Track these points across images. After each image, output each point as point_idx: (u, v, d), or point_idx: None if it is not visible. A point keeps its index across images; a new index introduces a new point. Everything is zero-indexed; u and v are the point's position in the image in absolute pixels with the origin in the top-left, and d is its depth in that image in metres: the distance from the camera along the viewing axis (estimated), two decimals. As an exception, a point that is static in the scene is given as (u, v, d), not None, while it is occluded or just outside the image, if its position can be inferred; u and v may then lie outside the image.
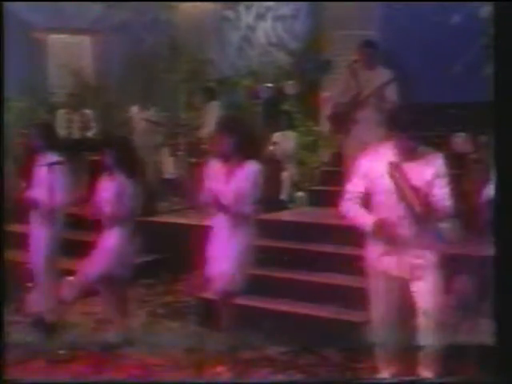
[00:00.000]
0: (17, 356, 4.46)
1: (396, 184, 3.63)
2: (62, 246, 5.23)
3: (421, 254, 3.71)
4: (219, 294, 4.24)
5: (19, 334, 4.98)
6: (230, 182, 4.12)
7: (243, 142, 4.11)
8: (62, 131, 8.49)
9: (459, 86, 6.59)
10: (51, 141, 5.29)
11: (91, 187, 4.95)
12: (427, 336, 3.75)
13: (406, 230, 3.68)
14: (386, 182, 3.68)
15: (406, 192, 3.60)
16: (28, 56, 10.11)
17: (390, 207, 3.68)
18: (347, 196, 3.85)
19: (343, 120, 6.18)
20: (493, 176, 3.41)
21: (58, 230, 5.18)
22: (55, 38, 11.37)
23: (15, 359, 4.38)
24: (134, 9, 10.87)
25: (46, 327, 5.10)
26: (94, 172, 4.83)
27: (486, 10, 6.21)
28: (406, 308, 3.79)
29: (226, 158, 4.16)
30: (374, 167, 3.75)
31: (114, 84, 10.60)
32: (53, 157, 5.06)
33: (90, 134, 8.92)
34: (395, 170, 3.63)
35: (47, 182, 4.89)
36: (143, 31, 10.81)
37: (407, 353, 3.87)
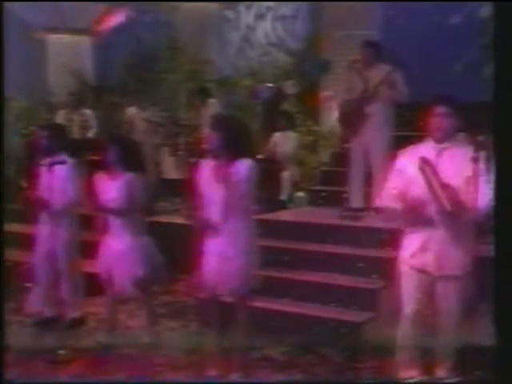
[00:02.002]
0: (17, 356, 4.46)
1: (426, 180, 3.60)
2: (74, 246, 5.23)
3: (452, 252, 3.68)
4: (233, 296, 4.19)
5: (19, 334, 4.98)
6: (220, 180, 4.09)
7: (233, 139, 4.08)
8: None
9: (459, 85, 6.59)
10: (61, 141, 5.28)
11: (93, 187, 4.92)
12: (447, 336, 3.77)
13: (440, 226, 3.66)
14: (420, 180, 3.65)
15: (436, 189, 3.57)
16: (28, 56, 10.11)
17: (426, 204, 3.64)
18: (384, 191, 3.84)
19: (353, 118, 6.18)
20: (493, 176, 3.40)
21: (71, 230, 5.18)
22: (55, 38, 11.38)
23: (15, 359, 4.38)
24: (135, 9, 10.88)
25: (65, 325, 5.11)
26: (96, 171, 4.79)
27: (486, 9, 6.22)
28: (432, 307, 3.79)
29: (216, 157, 4.14)
30: (409, 164, 3.74)
31: (114, 84, 10.59)
32: (60, 156, 5.08)
33: (90, 133, 8.90)
34: (426, 165, 3.60)
35: (55, 182, 4.90)
36: (143, 31, 10.81)
37: (426, 353, 3.86)
